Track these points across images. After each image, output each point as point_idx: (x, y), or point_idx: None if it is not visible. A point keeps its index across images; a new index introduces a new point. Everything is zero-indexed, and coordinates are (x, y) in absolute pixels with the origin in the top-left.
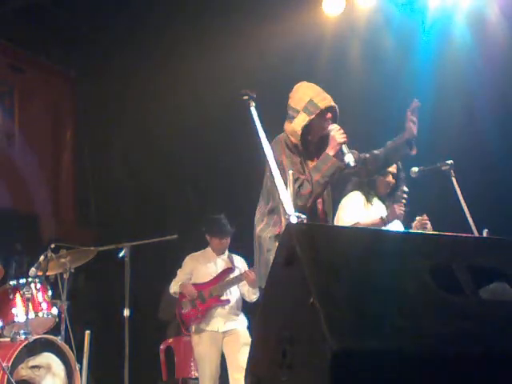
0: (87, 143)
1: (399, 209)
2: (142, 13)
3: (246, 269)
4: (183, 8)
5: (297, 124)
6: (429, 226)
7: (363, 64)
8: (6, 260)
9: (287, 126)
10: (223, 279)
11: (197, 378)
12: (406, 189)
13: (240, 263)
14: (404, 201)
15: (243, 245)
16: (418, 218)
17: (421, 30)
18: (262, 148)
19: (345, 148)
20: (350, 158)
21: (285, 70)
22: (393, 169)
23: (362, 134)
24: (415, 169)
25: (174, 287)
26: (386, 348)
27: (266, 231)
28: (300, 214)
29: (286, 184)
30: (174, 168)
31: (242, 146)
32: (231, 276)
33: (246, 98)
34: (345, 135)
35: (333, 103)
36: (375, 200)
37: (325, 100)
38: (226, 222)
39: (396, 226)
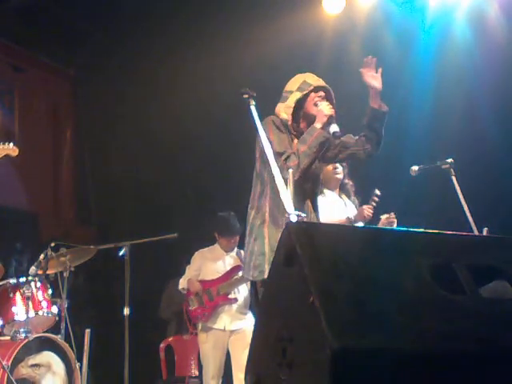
0: (87, 143)
1: (368, 211)
2: (141, 12)
3: None
4: (183, 7)
5: (290, 100)
6: (395, 224)
7: (363, 62)
8: (6, 259)
9: (278, 106)
10: (231, 277)
11: (197, 377)
12: (378, 192)
13: None
14: (374, 204)
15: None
16: (385, 215)
17: (421, 28)
18: (262, 146)
19: (332, 120)
20: (334, 128)
21: (285, 69)
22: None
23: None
24: (415, 167)
25: (182, 283)
26: (386, 347)
27: (256, 218)
28: (300, 213)
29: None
30: (174, 167)
31: (242, 144)
32: (240, 274)
33: (245, 96)
34: (333, 109)
35: (326, 85)
36: (345, 198)
37: (318, 80)
38: (235, 220)
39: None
